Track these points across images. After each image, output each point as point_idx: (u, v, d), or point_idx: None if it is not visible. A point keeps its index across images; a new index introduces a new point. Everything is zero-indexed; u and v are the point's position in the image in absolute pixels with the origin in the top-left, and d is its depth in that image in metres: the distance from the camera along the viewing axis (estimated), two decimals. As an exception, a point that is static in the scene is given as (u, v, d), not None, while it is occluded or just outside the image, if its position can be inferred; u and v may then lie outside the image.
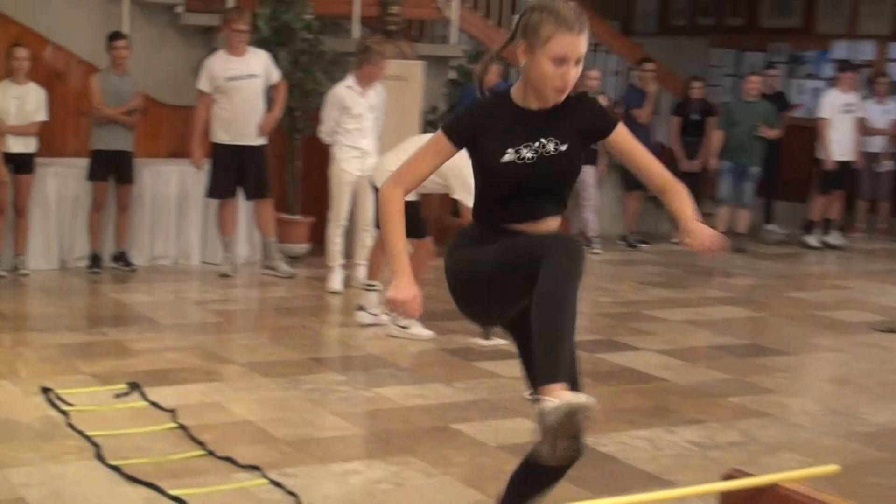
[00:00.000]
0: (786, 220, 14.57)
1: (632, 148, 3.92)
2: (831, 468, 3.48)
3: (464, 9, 13.02)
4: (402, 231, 3.80)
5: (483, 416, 6.58)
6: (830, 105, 13.47)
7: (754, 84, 13.39)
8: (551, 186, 3.86)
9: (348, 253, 9.96)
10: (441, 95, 12.24)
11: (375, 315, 8.55)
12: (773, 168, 13.74)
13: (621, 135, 3.90)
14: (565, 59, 3.66)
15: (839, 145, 13.45)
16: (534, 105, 3.80)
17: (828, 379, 8.14)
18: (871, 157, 13.95)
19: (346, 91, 9.59)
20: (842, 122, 13.41)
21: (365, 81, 9.59)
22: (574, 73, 3.69)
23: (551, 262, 3.57)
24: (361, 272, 9.55)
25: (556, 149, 3.78)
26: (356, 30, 12.05)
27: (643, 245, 13.16)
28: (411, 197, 8.20)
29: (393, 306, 3.77)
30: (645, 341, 8.60)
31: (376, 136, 9.77)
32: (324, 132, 9.76)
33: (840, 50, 15.49)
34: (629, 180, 13.17)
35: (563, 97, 3.77)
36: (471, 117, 3.85)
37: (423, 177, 3.88)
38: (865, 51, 15.28)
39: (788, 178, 14.29)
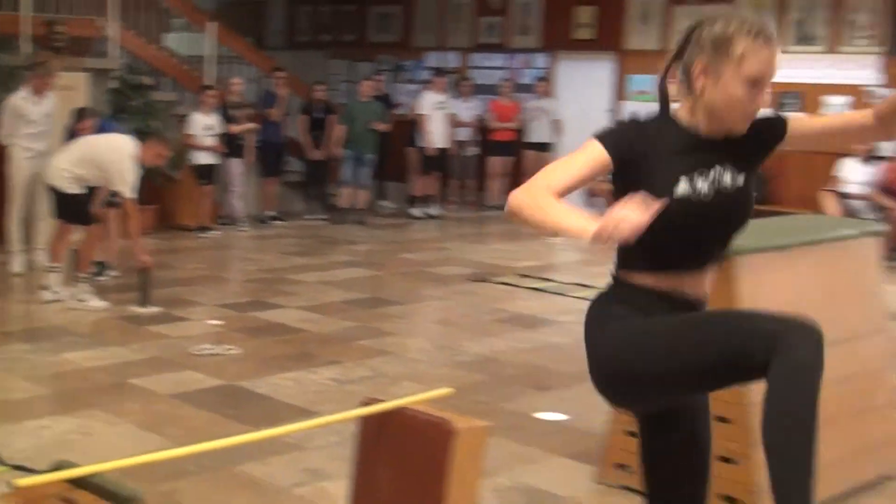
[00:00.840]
0: (395, 197, 14.91)
1: (810, 122, 2.90)
2: (445, 391, 3.59)
3: (121, 28, 12.63)
4: (559, 205, 2.48)
5: (155, 371, 6.43)
6: (427, 104, 13.86)
7: (367, 88, 13.63)
8: (728, 229, 2.74)
9: (27, 239, 9.51)
10: (103, 102, 11.78)
11: (57, 293, 8.19)
12: (383, 155, 14.02)
13: (794, 123, 2.78)
14: (761, 80, 2.59)
15: (436, 136, 13.87)
16: (703, 130, 2.68)
17: (435, 321, 8.42)
18: (460, 145, 14.47)
19: (21, 101, 9.17)
20: (436, 117, 13.84)
21: (38, 91, 9.19)
22: (766, 97, 2.63)
23: (794, 358, 2.42)
24: (40, 256, 9.15)
25: (733, 183, 2.67)
26: (26, 46, 11.46)
27: (278, 222, 13.07)
28: (78, 189, 7.99)
29: (614, 223, 2.32)
30: (288, 300, 8.61)
31: (48, 138, 9.35)
32: (2, 136, 9.27)
33: (432, 59, 15.92)
34: (267, 168, 13.14)
35: (748, 126, 2.68)
36: (632, 132, 2.66)
37: (573, 184, 2.56)
38: (452, 60, 15.77)
39: (395, 163, 14.62)
